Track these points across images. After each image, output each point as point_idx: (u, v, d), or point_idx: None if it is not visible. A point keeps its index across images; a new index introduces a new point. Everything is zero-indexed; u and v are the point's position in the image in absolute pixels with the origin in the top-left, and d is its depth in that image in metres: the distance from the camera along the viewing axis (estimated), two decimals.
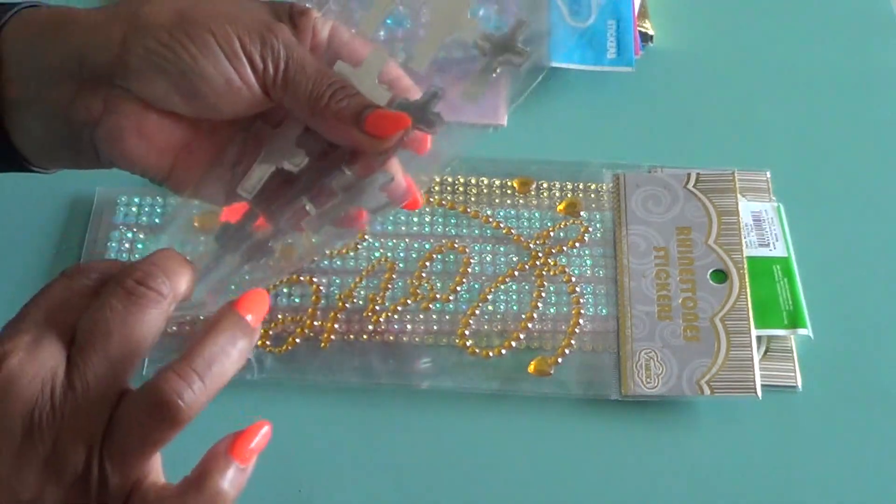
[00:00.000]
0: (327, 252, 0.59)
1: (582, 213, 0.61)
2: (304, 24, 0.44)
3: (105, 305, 0.36)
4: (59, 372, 0.35)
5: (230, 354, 0.36)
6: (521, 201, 0.62)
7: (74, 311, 0.36)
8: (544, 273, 0.59)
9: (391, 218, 0.60)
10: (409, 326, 0.57)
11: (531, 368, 0.55)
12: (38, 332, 0.36)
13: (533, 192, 0.62)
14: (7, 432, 0.34)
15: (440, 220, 0.61)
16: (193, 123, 0.43)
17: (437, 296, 0.58)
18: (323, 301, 0.57)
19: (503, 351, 0.56)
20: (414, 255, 0.59)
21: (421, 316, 0.57)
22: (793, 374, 0.56)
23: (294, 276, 0.58)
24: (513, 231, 0.60)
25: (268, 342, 0.56)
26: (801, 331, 0.56)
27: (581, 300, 0.58)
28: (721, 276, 0.58)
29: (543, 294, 0.58)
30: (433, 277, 0.58)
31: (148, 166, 0.43)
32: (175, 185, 0.44)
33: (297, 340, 0.56)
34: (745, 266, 0.58)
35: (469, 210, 0.61)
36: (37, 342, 0.35)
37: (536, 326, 0.57)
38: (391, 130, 0.41)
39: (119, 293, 0.36)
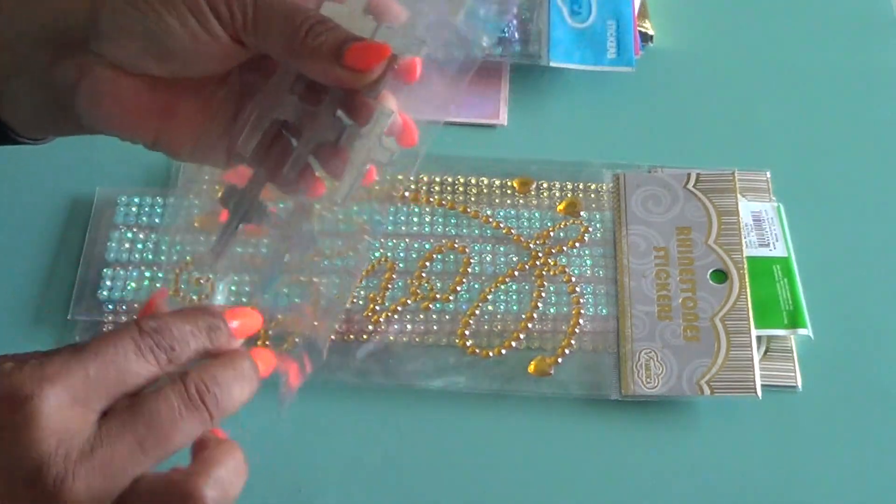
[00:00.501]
0: (327, 252, 0.59)
1: (582, 213, 0.61)
2: None
3: (160, 398, 0.36)
4: (84, 436, 0.35)
5: (242, 478, 0.38)
6: (521, 201, 0.62)
7: (129, 381, 0.36)
8: (544, 273, 0.59)
9: (391, 218, 0.60)
10: (409, 326, 0.57)
11: (531, 368, 0.55)
12: (79, 390, 0.35)
13: (533, 192, 0.62)
14: (8, 475, 0.34)
15: (440, 220, 0.61)
16: (173, 84, 0.42)
17: (437, 296, 0.58)
18: (323, 301, 0.57)
19: (503, 351, 0.56)
20: (414, 255, 0.59)
21: (421, 316, 0.57)
22: (793, 374, 0.56)
23: (294, 276, 0.58)
24: (513, 231, 0.60)
25: (268, 342, 0.56)
26: (801, 331, 0.56)
27: (581, 300, 0.58)
28: (721, 276, 0.58)
29: (543, 294, 0.58)
30: (433, 277, 0.58)
31: (130, 131, 0.43)
32: (166, 148, 0.43)
33: (297, 340, 0.56)
34: (745, 266, 0.58)
35: (469, 210, 0.61)
36: (72, 403, 0.35)
37: (536, 326, 0.57)
38: (373, 62, 0.39)
39: (179, 391, 0.36)
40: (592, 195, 0.62)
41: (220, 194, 0.43)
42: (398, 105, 0.43)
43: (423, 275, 0.58)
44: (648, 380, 0.54)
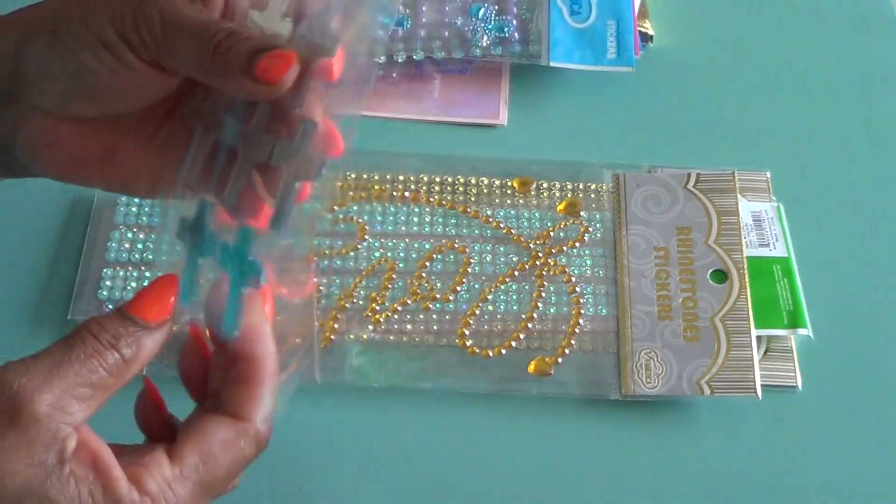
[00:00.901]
0: (327, 252, 0.59)
1: (582, 213, 0.61)
2: None
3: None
4: None
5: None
6: (521, 201, 0.62)
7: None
8: (544, 273, 0.59)
9: (391, 218, 0.60)
10: (409, 326, 0.57)
11: (531, 368, 0.55)
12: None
13: (533, 192, 0.62)
14: None
15: (440, 220, 0.61)
16: (112, 124, 0.40)
17: (437, 296, 0.58)
18: (323, 301, 0.57)
19: (503, 351, 0.56)
20: (414, 255, 0.59)
21: (421, 316, 0.57)
22: (793, 374, 0.56)
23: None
24: (513, 231, 0.60)
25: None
26: (801, 331, 0.56)
27: (581, 300, 0.58)
28: (721, 276, 0.58)
29: (543, 294, 0.58)
30: (433, 277, 0.58)
31: (76, 178, 0.41)
32: (122, 189, 0.42)
33: (297, 340, 0.56)
34: (745, 266, 0.58)
35: (469, 210, 0.61)
36: None
37: (536, 326, 0.57)
38: (282, 71, 0.37)
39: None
40: (592, 195, 0.62)
41: (176, 230, 0.41)
42: (323, 108, 0.40)
43: (423, 275, 0.58)
44: (648, 380, 0.54)
